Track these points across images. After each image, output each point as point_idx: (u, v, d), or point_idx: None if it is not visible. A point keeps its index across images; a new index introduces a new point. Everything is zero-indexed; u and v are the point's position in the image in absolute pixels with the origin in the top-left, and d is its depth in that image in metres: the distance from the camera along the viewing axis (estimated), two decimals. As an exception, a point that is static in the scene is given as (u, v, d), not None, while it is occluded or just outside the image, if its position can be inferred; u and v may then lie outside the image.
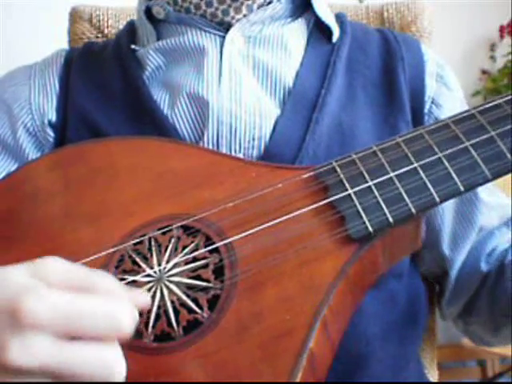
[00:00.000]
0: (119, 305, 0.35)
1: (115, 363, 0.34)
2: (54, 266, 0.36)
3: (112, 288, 0.36)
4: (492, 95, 1.97)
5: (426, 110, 0.64)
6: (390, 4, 0.85)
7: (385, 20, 0.84)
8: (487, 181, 0.46)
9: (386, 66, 0.64)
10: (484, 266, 0.63)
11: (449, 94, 0.66)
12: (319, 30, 0.65)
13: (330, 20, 0.66)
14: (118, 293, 0.36)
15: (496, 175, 0.46)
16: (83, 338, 0.34)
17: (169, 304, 0.45)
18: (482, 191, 0.64)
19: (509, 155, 0.46)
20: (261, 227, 0.46)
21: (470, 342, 0.73)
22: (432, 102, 0.64)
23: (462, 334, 0.71)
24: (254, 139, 0.58)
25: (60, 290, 0.34)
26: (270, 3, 0.63)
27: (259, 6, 0.63)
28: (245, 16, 0.62)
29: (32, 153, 0.63)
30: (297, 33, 0.65)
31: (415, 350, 0.65)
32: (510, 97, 0.49)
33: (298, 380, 0.39)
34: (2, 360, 0.32)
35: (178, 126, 0.59)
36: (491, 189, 0.65)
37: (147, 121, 0.60)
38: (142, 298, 0.39)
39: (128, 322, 0.35)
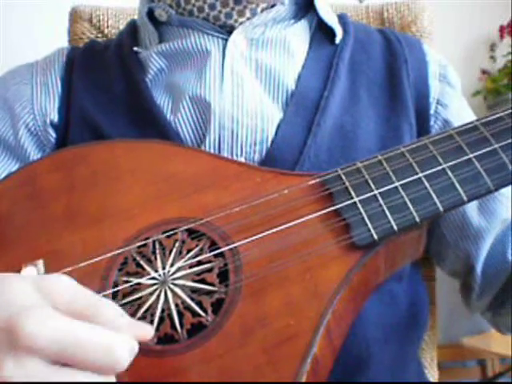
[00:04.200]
0: (118, 338, 0.35)
1: None
2: (61, 285, 0.36)
3: (114, 318, 0.36)
4: (492, 95, 1.97)
5: (431, 112, 0.64)
6: (390, 4, 0.85)
7: (385, 20, 0.84)
8: (490, 192, 0.46)
9: (389, 68, 0.64)
10: (511, 257, 0.63)
11: (453, 92, 0.66)
12: (322, 31, 0.65)
13: (332, 21, 0.66)
14: (119, 324, 0.36)
15: (498, 186, 0.47)
16: (77, 367, 0.34)
17: (173, 307, 0.45)
18: None
19: (510, 167, 0.47)
20: (266, 233, 0.46)
21: (471, 342, 0.73)
22: (437, 103, 0.65)
23: (489, 324, 0.71)
24: (255, 144, 0.58)
25: (62, 315, 0.35)
26: (273, 6, 0.63)
27: (263, 10, 0.63)
28: (248, 19, 0.62)
29: (33, 153, 0.63)
30: (299, 35, 0.65)
31: (415, 350, 0.65)
32: (511, 110, 0.50)
33: None
34: None
35: (180, 130, 0.59)
36: None
37: (149, 124, 0.60)
38: (145, 330, 0.38)
39: (124, 356, 0.34)
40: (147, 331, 0.38)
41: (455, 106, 0.65)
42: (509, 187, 0.64)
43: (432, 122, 0.64)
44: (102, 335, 0.34)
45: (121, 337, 0.35)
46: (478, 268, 0.64)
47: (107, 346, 0.34)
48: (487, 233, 0.63)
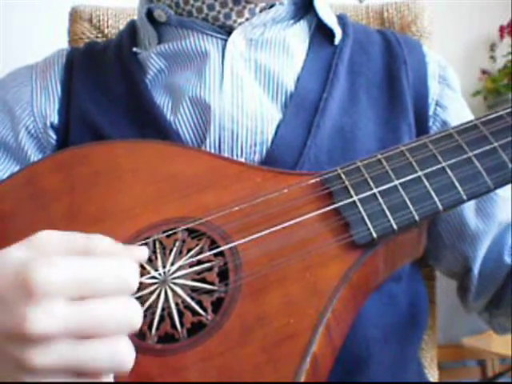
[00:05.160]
0: (123, 263, 0.36)
1: (133, 313, 0.36)
2: (49, 236, 0.37)
3: (112, 248, 0.37)
4: (492, 95, 1.97)
5: (430, 113, 0.64)
6: (390, 4, 0.85)
7: (385, 20, 0.84)
8: (489, 190, 0.46)
9: (389, 69, 0.64)
10: (508, 259, 0.63)
11: (452, 94, 0.66)
12: (321, 32, 0.65)
13: (331, 22, 0.66)
14: (118, 251, 0.37)
15: (498, 185, 0.47)
16: (95, 296, 0.35)
17: (173, 306, 0.45)
18: None
19: (510, 165, 0.47)
20: (266, 232, 0.46)
21: (471, 342, 0.73)
22: (436, 104, 0.65)
23: (486, 324, 0.71)
24: (255, 144, 0.58)
25: (64, 255, 0.35)
26: (272, 6, 0.63)
27: (261, 10, 0.63)
28: (247, 19, 0.62)
29: (34, 155, 0.63)
30: (299, 35, 0.65)
31: (415, 350, 0.65)
32: (511, 109, 0.50)
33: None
34: (22, 332, 0.33)
35: (180, 131, 0.59)
36: None
37: (149, 124, 0.60)
38: (140, 252, 0.41)
39: (133, 276, 0.36)
40: (143, 253, 0.41)
41: (454, 107, 0.65)
42: (507, 189, 0.65)
43: (431, 124, 0.64)
44: (107, 262, 0.36)
45: (125, 262, 0.36)
46: (475, 270, 0.64)
47: (117, 272, 0.35)
48: (484, 235, 0.63)
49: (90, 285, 0.35)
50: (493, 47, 2.08)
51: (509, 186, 0.65)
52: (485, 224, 0.64)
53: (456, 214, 0.64)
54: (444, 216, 0.64)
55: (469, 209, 0.64)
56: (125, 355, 0.35)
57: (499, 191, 0.64)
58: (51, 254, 0.35)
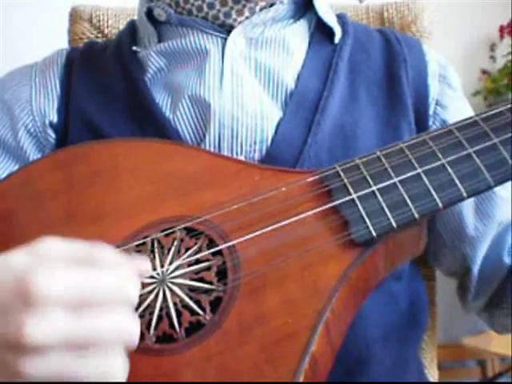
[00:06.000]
0: (124, 275, 0.36)
1: (131, 325, 0.35)
2: (53, 244, 0.36)
3: (114, 259, 0.37)
4: (492, 95, 1.97)
5: (430, 112, 0.64)
6: (390, 4, 0.85)
7: (385, 20, 0.84)
8: (490, 187, 0.46)
9: (389, 67, 0.64)
10: (507, 259, 0.63)
11: (452, 93, 0.66)
12: (321, 31, 0.65)
13: (331, 21, 0.66)
14: (120, 263, 0.37)
15: (498, 182, 0.46)
16: (94, 308, 0.35)
17: (171, 306, 0.45)
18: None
19: (511, 162, 0.46)
20: (264, 230, 0.46)
21: (471, 342, 0.73)
22: (436, 104, 0.64)
23: (486, 324, 0.71)
24: (255, 142, 0.58)
25: (65, 265, 0.35)
26: (272, 5, 0.63)
27: (261, 8, 0.62)
28: (247, 18, 0.62)
29: (33, 154, 0.63)
30: (299, 34, 0.65)
31: (415, 350, 0.65)
32: (511, 104, 0.49)
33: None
34: (18, 341, 0.33)
35: (179, 129, 0.59)
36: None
37: (149, 123, 0.60)
38: (143, 265, 0.40)
39: (133, 289, 0.36)
40: (146, 267, 0.40)
41: (454, 107, 0.65)
42: (507, 189, 0.65)
43: (431, 123, 0.64)
44: (110, 274, 0.35)
45: (127, 274, 0.36)
46: (475, 269, 0.64)
47: (118, 283, 0.35)
48: (484, 235, 0.63)
49: (89, 296, 0.34)
50: (493, 47, 2.08)
51: (509, 185, 0.66)
52: (484, 224, 0.63)
53: (455, 214, 0.64)
54: (443, 216, 0.64)
55: (468, 209, 0.64)
56: (117, 371, 0.35)
57: (499, 191, 0.64)
58: (53, 262, 0.35)
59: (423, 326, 0.65)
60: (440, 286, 0.79)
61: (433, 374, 0.80)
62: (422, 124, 0.63)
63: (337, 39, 0.65)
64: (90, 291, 0.34)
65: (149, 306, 0.45)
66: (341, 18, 0.68)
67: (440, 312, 0.79)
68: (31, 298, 0.33)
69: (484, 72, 2.06)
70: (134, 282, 0.36)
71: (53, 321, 0.33)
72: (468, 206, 0.64)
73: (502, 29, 2.03)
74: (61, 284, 0.33)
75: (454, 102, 0.65)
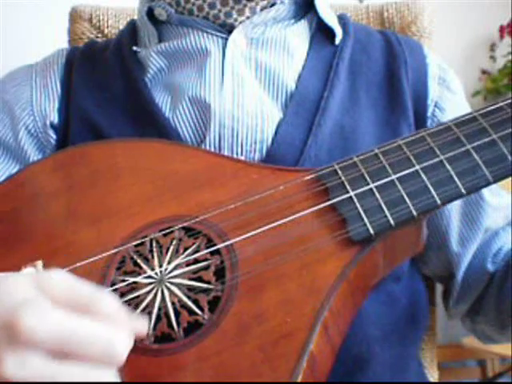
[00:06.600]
0: (116, 332, 0.35)
1: None
2: (58, 279, 0.36)
3: (112, 312, 0.36)
4: (492, 95, 1.97)
5: (429, 114, 0.64)
6: (390, 4, 0.85)
7: (385, 20, 0.84)
8: (489, 183, 0.45)
9: (389, 69, 0.64)
10: (490, 267, 0.63)
11: (452, 97, 0.66)
12: (322, 31, 0.65)
13: (332, 22, 0.65)
14: (117, 318, 0.36)
15: (497, 178, 0.45)
16: (77, 359, 0.34)
17: (169, 305, 0.45)
18: (487, 192, 0.64)
19: (510, 158, 0.46)
20: (262, 229, 0.46)
21: (470, 342, 0.73)
22: (435, 106, 0.64)
23: (469, 331, 0.71)
24: (255, 143, 0.58)
25: (60, 309, 0.35)
26: (273, 5, 0.63)
27: (262, 8, 0.62)
28: (248, 18, 0.62)
29: (34, 154, 0.63)
30: (299, 34, 0.65)
31: (415, 350, 0.65)
32: (511, 100, 0.49)
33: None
34: None
35: (179, 129, 0.59)
36: (495, 189, 0.65)
37: (149, 123, 0.60)
38: (141, 324, 0.39)
39: (122, 350, 0.35)
40: (143, 326, 0.39)
41: (452, 110, 0.64)
42: (497, 196, 0.65)
43: (428, 125, 0.64)
44: (101, 329, 0.35)
45: (119, 331, 0.35)
46: (459, 275, 0.64)
47: (106, 340, 0.35)
48: (469, 241, 0.64)
49: (75, 346, 0.34)
50: (493, 47, 2.08)
51: (498, 193, 0.66)
52: (470, 230, 0.64)
53: (444, 218, 0.64)
54: (432, 219, 0.64)
55: (454, 213, 0.64)
56: None
57: (488, 198, 0.64)
58: (51, 301, 0.35)
59: (423, 325, 0.65)
60: (440, 285, 0.79)
61: (433, 373, 0.80)
62: (420, 126, 0.63)
63: (337, 40, 0.65)
64: (76, 341, 0.34)
65: (147, 305, 0.45)
66: (342, 19, 0.68)
67: (440, 312, 0.79)
68: (16, 336, 0.33)
69: (484, 72, 2.06)
70: (125, 341, 0.35)
71: (30, 362, 0.33)
72: (455, 210, 0.64)
73: (502, 29, 2.03)
74: (49, 328, 0.33)
75: (452, 105, 0.65)
